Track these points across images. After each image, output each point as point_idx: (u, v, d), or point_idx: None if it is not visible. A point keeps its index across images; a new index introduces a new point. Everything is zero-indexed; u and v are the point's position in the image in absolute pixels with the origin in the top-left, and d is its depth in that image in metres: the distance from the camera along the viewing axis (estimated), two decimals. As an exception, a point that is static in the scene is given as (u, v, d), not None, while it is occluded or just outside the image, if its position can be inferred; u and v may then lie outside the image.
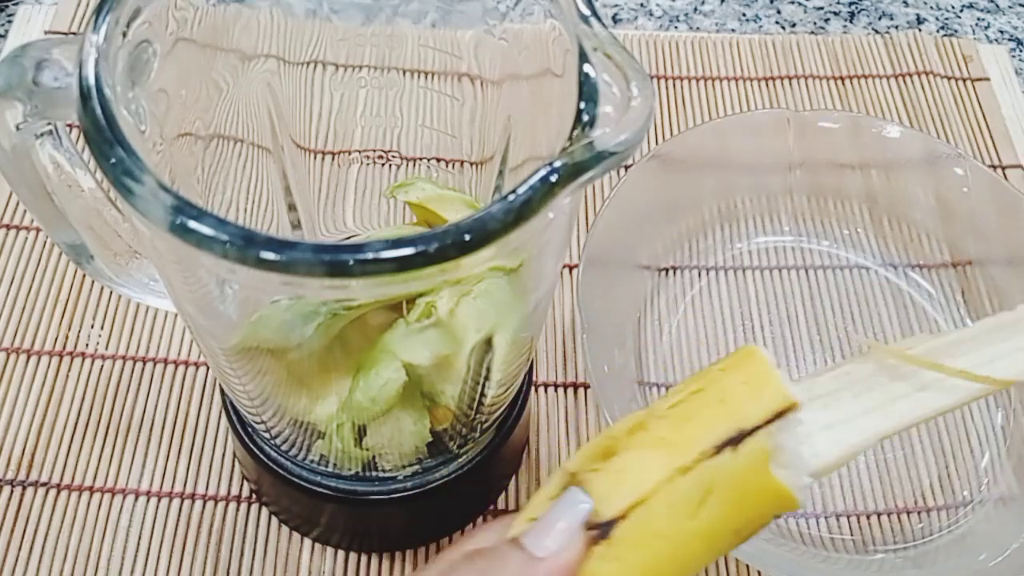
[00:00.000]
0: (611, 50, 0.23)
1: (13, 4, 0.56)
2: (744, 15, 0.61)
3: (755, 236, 0.49)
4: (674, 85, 0.56)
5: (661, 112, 0.54)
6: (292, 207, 0.37)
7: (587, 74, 0.23)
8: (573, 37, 0.24)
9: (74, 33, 0.54)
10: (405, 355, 0.30)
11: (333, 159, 0.41)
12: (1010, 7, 0.63)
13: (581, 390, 0.44)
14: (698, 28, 0.60)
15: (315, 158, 0.41)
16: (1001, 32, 0.61)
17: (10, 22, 0.55)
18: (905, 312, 0.47)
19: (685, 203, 0.48)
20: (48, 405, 0.42)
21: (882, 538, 0.40)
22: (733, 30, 0.60)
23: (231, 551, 0.38)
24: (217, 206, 0.33)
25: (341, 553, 0.38)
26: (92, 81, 0.22)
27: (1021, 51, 0.60)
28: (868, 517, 0.40)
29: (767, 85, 0.56)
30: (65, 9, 0.55)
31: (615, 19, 0.60)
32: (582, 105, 0.22)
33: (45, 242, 0.46)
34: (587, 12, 0.24)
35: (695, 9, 0.61)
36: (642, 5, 0.61)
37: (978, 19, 0.62)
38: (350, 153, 0.41)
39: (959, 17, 0.62)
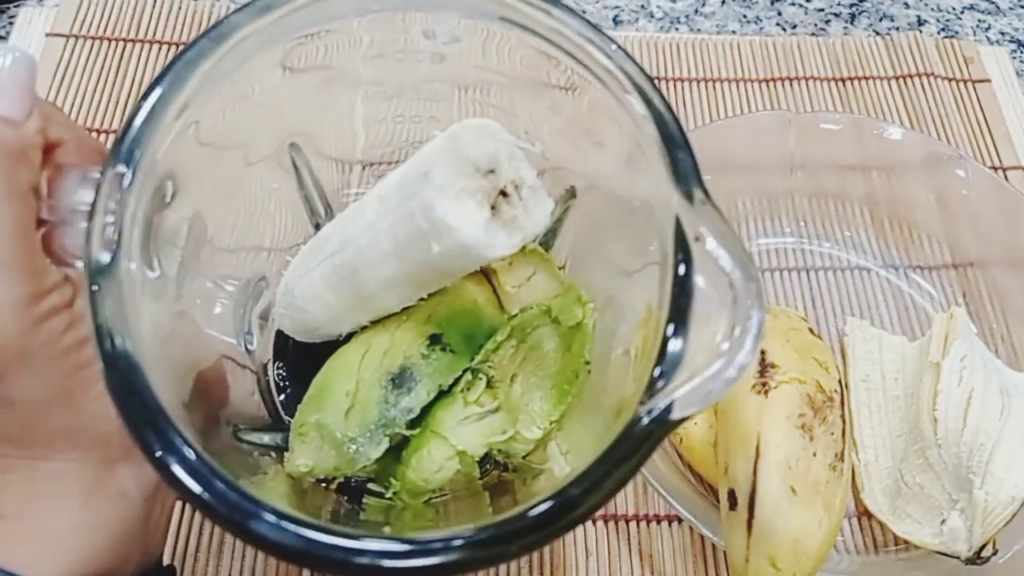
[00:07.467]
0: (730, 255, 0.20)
1: (15, 6, 0.56)
2: (745, 17, 0.61)
3: (756, 237, 0.49)
4: (675, 86, 0.56)
5: (662, 114, 0.54)
6: (318, 227, 0.35)
7: (670, 337, 0.19)
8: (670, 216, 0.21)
9: (75, 35, 0.54)
10: (459, 442, 0.28)
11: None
12: (1011, 9, 0.63)
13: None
14: (699, 30, 0.60)
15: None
16: (1002, 34, 0.61)
17: (11, 23, 0.55)
18: (906, 313, 0.47)
19: (686, 204, 0.48)
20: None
21: (884, 540, 0.40)
22: (734, 32, 0.60)
23: (232, 552, 0.38)
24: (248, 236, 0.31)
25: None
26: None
27: (1022, 52, 0.60)
28: (872, 518, 0.40)
29: (768, 86, 0.56)
30: (66, 11, 0.55)
31: (616, 21, 0.60)
32: (656, 372, 0.19)
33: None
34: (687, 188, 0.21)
35: (696, 11, 0.62)
36: (643, 7, 0.61)
37: (979, 21, 0.62)
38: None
39: (960, 19, 0.62)
